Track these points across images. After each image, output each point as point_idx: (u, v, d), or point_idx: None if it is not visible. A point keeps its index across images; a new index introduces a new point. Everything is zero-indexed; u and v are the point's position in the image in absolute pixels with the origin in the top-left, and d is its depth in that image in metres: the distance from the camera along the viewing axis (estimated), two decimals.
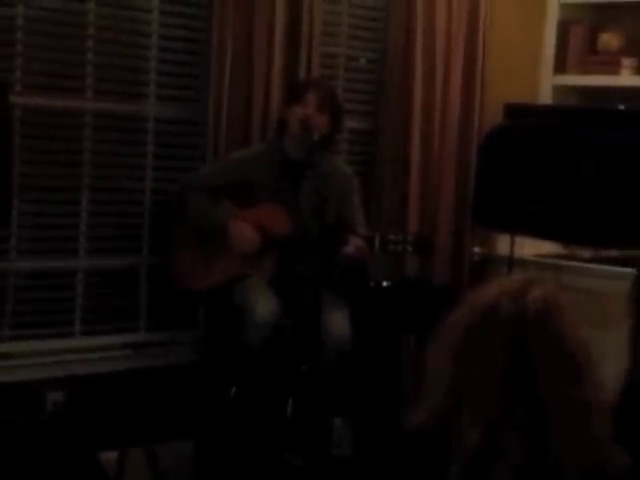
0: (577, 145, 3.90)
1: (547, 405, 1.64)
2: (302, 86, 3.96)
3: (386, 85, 4.55)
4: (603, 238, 3.90)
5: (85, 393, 3.83)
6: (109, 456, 3.46)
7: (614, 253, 4.32)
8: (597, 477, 1.66)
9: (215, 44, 3.98)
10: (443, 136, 4.62)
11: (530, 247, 4.38)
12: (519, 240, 4.09)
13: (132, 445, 3.50)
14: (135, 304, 4.09)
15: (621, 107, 4.16)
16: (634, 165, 3.76)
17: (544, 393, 1.65)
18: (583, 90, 4.82)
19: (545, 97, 4.87)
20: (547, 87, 4.88)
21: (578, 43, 4.82)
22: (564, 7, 4.85)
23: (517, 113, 4.20)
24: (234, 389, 3.76)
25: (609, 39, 4.76)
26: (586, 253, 4.46)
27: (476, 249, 4.47)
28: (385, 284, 4.22)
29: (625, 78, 4.66)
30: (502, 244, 4.26)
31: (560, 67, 4.85)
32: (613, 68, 4.70)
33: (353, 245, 3.66)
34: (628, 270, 4.12)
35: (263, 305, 3.67)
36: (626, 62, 4.68)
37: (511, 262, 4.03)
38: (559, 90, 4.86)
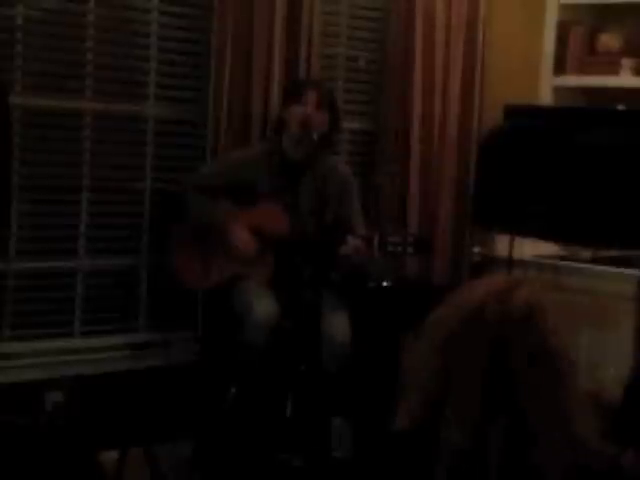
0: (577, 146, 3.90)
1: (529, 405, 1.65)
2: (300, 85, 3.97)
3: (386, 85, 4.55)
4: (603, 238, 3.90)
5: (84, 393, 3.83)
6: (109, 456, 3.46)
7: (614, 253, 4.32)
8: (581, 476, 1.66)
9: (215, 44, 3.99)
10: (443, 137, 4.62)
11: (530, 247, 4.38)
12: (519, 240, 4.09)
13: (132, 445, 3.50)
14: (135, 304, 4.10)
15: (621, 107, 4.15)
16: (634, 165, 3.76)
17: (526, 394, 1.65)
18: (583, 91, 4.82)
19: (545, 98, 4.87)
20: (547, 88, 4.88)
21: (578, 44, 4.82)
22: (564, 8, 4.85)
23: (517, 114, 4.19)
24: (233, 389, 3.76)
25: (609, 40, 4.75)
26: (586, 253, 4.46)
27: (476, 249, 4.48)
28: (385, 284, 4.22)
29: (625, 78, 4.66)
30: (502, 244, 4.26)
31: (560, 68, 4.85)
32: (613, 69, 4.69)
33: (352, 245, 3.66)
34: (628, 270, 4.13)
35: (262, 305, 3.67)
36: (626, 63, 4.67)
37: (511, 262, 4.03)
38: (559, 91, 4.86)
